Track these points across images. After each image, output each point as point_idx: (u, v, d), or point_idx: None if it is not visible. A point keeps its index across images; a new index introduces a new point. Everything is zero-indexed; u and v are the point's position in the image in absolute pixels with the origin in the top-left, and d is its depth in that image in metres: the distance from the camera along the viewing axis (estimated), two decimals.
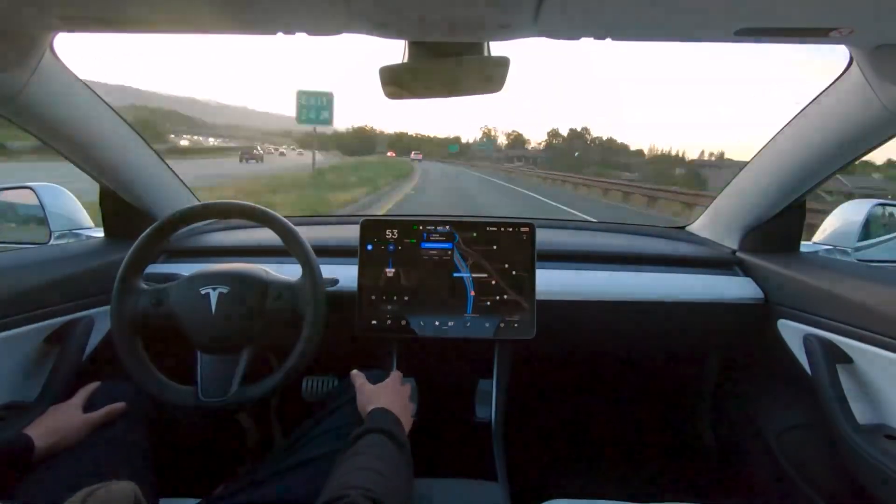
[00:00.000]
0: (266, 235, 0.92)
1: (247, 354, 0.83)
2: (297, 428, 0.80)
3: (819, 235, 1.25)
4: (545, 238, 1.06)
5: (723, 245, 1.20)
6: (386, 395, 0.76)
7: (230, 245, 1.19)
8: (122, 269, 0.83)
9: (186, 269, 0.94)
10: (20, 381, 0.85)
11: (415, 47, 0.71)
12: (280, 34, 0.64)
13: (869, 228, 1.25)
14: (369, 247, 1.00)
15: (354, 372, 0.83)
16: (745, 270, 1.13)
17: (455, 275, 0.99)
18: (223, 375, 0.81)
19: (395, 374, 0.84)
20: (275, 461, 0.75)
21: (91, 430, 0.73)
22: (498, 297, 0.98)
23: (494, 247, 0.99)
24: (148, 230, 0.85)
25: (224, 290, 0.82)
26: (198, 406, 0.80)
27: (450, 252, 0.99)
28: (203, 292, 0.82)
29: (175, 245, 1.15)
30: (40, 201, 1.21)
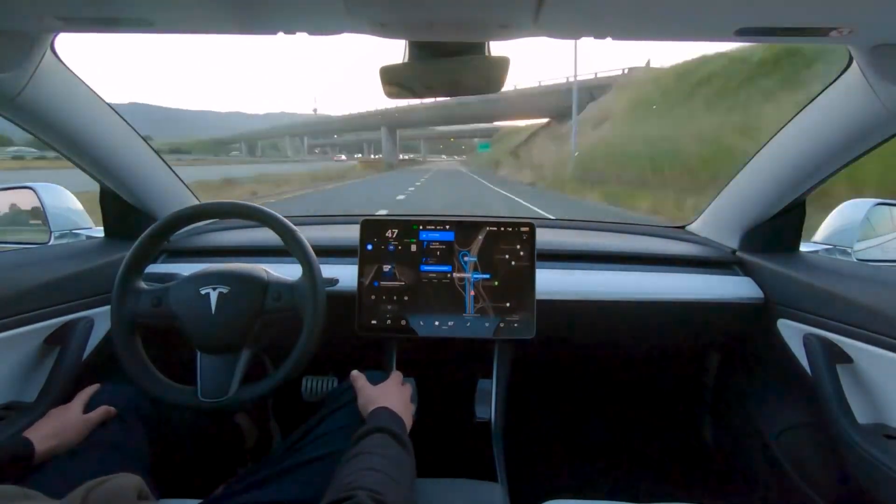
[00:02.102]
0: (266, 235, 0.92)
1: (246, 355, 0.83)
2: (297, 428, 0.80)
3: (819, 235, 1.25)
4: (545, 238, 1.06)
5: (723, 245, 1.20)
6: (387, 395, 0.76)
7: (230, 245, 1.19)
8: (122, 268, 0.83)
9: (186, 269, 0.94)
10: (20, 381, 0.85)
11: (415, 47, 0.71)
12: (280, 34, 0.65)
13: (869, 228, 1.25)
14: (369, 246, 1.00)
15: (355, 373, 0.82)
16: (745, 270, 1.12)
17: (455, 274, 0.99)
18: (222, 375, 0.81)
19: (396, 375, 0.84)
20: (275, 462, 0.74)
21: (90, 432, 0.73)
22: (498, 297, 0.98)
23: (494, 246, 0.99)
24: (148, 230, 0.85)
25: (224, 290, 0.82)
26: (197, 406, 0.80)
27: (450, 252, 0.99)
28: (203, 292, 0.82)
29: (175, 245, 1.15)
30: (40, 201, 1.21)
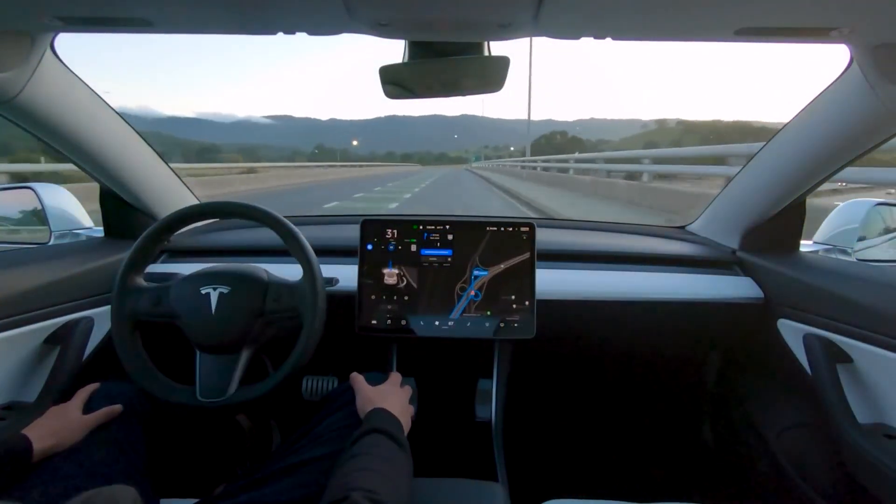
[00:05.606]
0: (266, 235, 0.92)
1: (245, 355, 0.83)
2: (297, 429, 0.80)
3: (819, 235, 1.25)
4: (545, 238, 1.06)
5: (723, 245, 1.20)
6: (385, 396, 0.76)
7: (230, 245, 1.19)
8: (123, 268, 0.83)
9: (187, 269, 0.94)
10: (20, 381, 0.85)
11: (415, 47, 0.71)
12: (280, 34, 0.65)
13: (869, 228, 1.25)
14: (369, 246, 1.00)
15: (354, 374, 0.82)
16: (745, 270, 1.12)
17: (455, 274, 0.99)
18: (222, 375, 0.82)
19: (395, 376, 0.84)
20: (273, 462, 0.74)
21: (89, 431, 0.73)
22: (498, 297, 0.98)
23: (494, 246, 0.99)
24: (149, 230, 0.85)
25: (224, 290, 0.82)
26: (196, 405, 0.80)
27: (449, 252, 0.99)
28: (203, 292, 0.82)
29: (175, 245, 1.15)
30: (40, 201, 1.21)
